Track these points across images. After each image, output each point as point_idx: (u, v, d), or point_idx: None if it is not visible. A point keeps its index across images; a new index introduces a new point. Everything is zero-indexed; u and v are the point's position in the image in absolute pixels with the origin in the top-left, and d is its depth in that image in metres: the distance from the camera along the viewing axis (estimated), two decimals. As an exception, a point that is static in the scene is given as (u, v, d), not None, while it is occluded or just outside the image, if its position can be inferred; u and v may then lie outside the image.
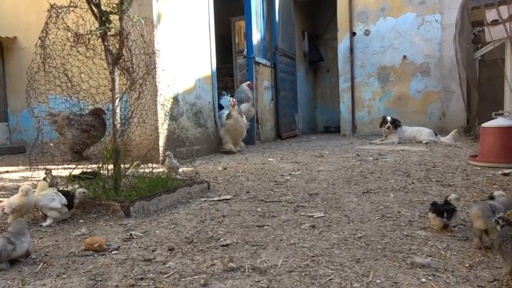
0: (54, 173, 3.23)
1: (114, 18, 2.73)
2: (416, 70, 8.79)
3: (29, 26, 6.37)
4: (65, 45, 2.83)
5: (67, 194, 2.52)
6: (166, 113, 4.74)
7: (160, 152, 4.78)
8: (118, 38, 2.73)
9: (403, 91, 8.91)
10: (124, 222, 2.43)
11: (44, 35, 2.76)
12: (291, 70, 9.42)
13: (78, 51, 2.87)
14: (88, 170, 3.31)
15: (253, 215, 2.54)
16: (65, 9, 2.78)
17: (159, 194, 2.83)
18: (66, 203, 2.43)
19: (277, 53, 8.33)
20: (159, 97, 4.01)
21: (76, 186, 2.89)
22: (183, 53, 5.43)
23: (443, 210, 2.10)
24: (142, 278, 1.63)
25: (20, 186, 2.46)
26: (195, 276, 1.63)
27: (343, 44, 9.36)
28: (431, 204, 2.20)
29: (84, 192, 2.56)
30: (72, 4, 2.79)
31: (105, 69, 2.89)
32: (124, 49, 2.78)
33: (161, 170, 3.77)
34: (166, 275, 1.65)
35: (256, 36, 7.63)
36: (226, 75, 9.75)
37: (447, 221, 2.09)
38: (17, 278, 1.67)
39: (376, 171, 4.05)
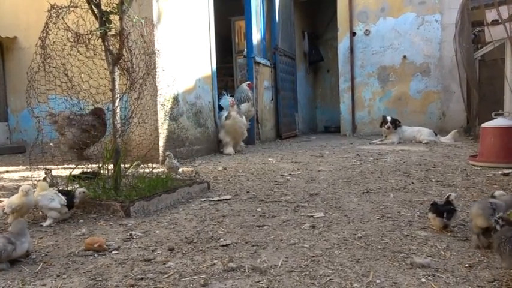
0: (54, 173, 3.23)
1: (114, 18, 2.73)
2: (416, 70, 8.79)
3: (29, 26, 6.37)
4: (65, 45, 2.83)
5: (67, 194, 2.53)
6: (167, 113, 4.74)
7: (160, 152, 4.78)
8: (118, 38, 2.73)
9: (403, 91, 8.92)
10: (124, 222, 2.43)
11: (44, 35, 2.76)
12: (291, 70, 9.42)
13: (78, 51, 2.87)
14: (88, 170, 3.31)
15: (253, 215, 2.54)
16: (65, 10, 2.78)
17: (159, 194, 2.83)
18: (65, 203, 2.44)
19: (277, 53, 8.33)
20: (159, 97, 4.01)
21: (76, 186, 2.89)
22: (183, 53, 5.43)
23: (443, 210, 2.10)
24: (142, 278, 1.63)
25: (20, 186, 2.47)
26: (195, 276, 1.63)
27: (343, 44, 9.37)
28: (431, 205, 2.20)
29: (84, 192, 2.56)
30: (72, 4, 2.79)
31: (105, 69, 2.89)
32: (124, 49, 2.78)
33: (161, 170, 3.77)
34: (166, 275, 1.65)
35: (256, 36, 7.63)
36: (226, 75, 9.75)
37: (447, 221, 2.09)
38: (17, 278, 1.67)
39: (376, 171, 4.05)
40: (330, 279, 1.58)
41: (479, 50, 7.11)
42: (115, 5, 2.72)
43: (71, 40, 2.79)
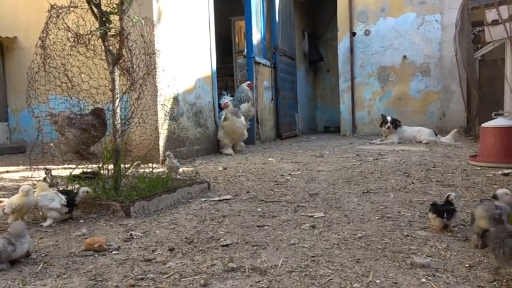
0: (54, 173, 3.24)
1: (114, 18, 2.73)
2: (416, 70, 8.79)
3: (29, 26, 6.37)
4: (65, 45, 2.83)
5: (69, 194, 2.53)
6: (167, 113, 4.74)
7: (161, 152, 4.78)
8: (118, 38, 2.73)
9: (403, 91, 8.92)
10: (124, 223, 2.43)
11: (44, 35, 2.76)
12: (291, 70, 9.42)
13: (78, 52, 2.87)
14: (88, 170, 3.31)
15: (254, 215, 2.54)
16: (65, 10, 2.78)
17: (159, 194, 2.83)
18: (66, 203, 2.43)
19: (277, 53, 8.33)
20: (159, 97, 4.01)
21: (76, 186, 2.89)
22: (183, 53, 5.44)
23: (444, 210, 2.10)
24: (142, 278, 1.63)
25: (20, 186, 2.47)
26: (195, 277, 1.63)
27: (343, 44, 9.37)
28: (431, 205, 2.20)
29: (87, 192, 2.55)
30: (72, 4, 2.79)
31: (105, 69, 2.89)
32: (124, 49, 2.79)
33: (161, 170, 3.77)
34: (166, 275, 1.65)
35: (256, 36, 7.63)
36: (226, 75, 9.75)
37: (447, 221, 2.09)
38: (18, 278, 1.67)
39: (376, 171, 4.05)
40: (330, 279, 1.58)
41: (479, 50, 7.11)
42: (115, 5, 2.72)
43: (71, 40, 2.79)
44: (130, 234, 2.19)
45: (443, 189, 3.13)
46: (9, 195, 2.87)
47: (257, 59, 7.48)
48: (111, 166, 2.93)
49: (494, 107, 5.18)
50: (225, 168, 4.52)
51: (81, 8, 2.80)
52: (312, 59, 11.23)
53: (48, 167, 3.18)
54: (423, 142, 6.72)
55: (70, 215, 2.52)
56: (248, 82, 6.88)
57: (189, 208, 2.79)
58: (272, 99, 8.34)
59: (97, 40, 2.81)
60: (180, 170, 3.89)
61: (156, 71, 3.37)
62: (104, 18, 2.69)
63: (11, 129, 7.08)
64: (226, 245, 1.98)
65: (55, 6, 2.78)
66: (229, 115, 5.78)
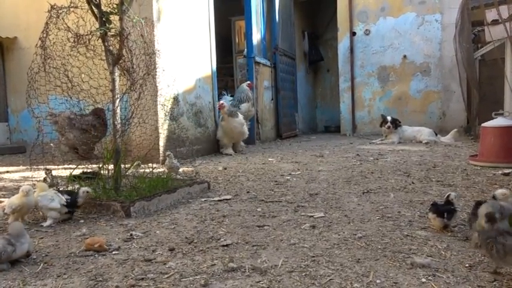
0: (54, 173, 3.24)
1: (115, 18, 2.73)
2: (416, 70, 8.79)
3: (29, 26, 6.37)
4: (65, 45, 2.83)
5: (71, 194, 2.53)
6: (167, 113, 4.74)
7: (161, 152, 4.78)
8: (118, 38, 2.73)
9: (403, 91, 8.92)
10: (124, 223, 2.43)
11: (45, 35, 2.76)
12: (291, 70, 9.42)
13: (78, 52, 2.87)
14: (88, 170, 3.31)
15: (254, 215, 2.54)
16: (65, 10, 2.78)
17: (160, 194, 2.83)
18: (66, 203, 2.43)
19: (277, 52, 8.33)
20: (159, 97, 4.01)
21: (76, 186, 2.89)
22: (183, 53, 5.44)
23: (444, 210, 2.10)
24: (142, 278, 1.63)
25: (20, 186, 2.47)
26: (196, 277, 1.63)
27: (343, 44, 9.37)
28: (432, 205, 2.20)
29: (88, 192, 2.56)
30: (72, 5, 2.79)
31: (105, 69, 2.89)
32: (124, 49, 2.79)
33: (161, 170, 3.77)
34: (166, 275, 1.65)
35: (256, 36, 7.63)
36: (226, 75, 9.75)
37: (447, 221, 2.09)
38: (18, 278, 1.67)
39: (376, 171, 4.05)
40: (330, 279, 1.58)
41: (479, 49, 7.10)
42: (115, 6, 2.72)
43: (71, 40, 2.79)
44: (131, 234, 2.19)
45: (443, 189, 3.13)
46: (9, 196, 2.87)
47: (257, 59, 7.48)
48: (111, 166, 2.93)
49: (494, 107, 5.18)
50: (225, 168, 4.52)
51: (81, 8, 2.80)
52: (312, 59, 11.23)
53: (48, 167, 3.18)
54: (423, 142, 6.72)
55: (70, 215, 2.52)
56: (248, 82, 6.88)
57: (189, 208, 2.79)
58: (272, 99, 8.34)
59: (97, 40, 2.81)
60: (180, 170, 3.89)
61: (156, 71, 3.37)
62: (104, 19, 2.69)
63: (11, 129, 7.08)
64: (227, 245, 1.98)
65: (55, 7, 2.78)
66: (225, 115, 5.76)
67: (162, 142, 4.87)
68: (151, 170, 3.32)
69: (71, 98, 2.99)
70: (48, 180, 3.09)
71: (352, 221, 2.35)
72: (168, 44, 4.96)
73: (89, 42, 2.81)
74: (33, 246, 1.98)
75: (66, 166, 3.93)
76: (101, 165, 3.01)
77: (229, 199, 3.01)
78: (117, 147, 2.85)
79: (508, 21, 5.52)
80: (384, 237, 2.06)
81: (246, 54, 7.76)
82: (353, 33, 9.24)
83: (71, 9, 2.79)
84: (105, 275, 1.68)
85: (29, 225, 2.42)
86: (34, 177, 3.08)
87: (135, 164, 3.31)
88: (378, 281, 1.54)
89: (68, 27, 2.79)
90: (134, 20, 2.79)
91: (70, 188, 2.89)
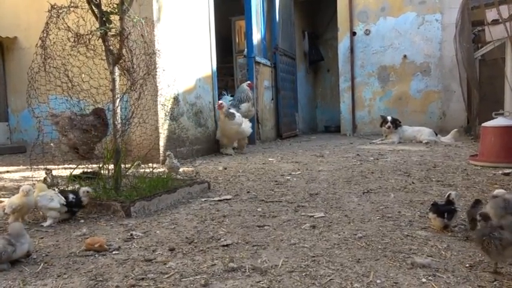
0: (54, 173, 3.24)
1: (115, 18, 2.73)
2: (416, 70, 8.79)
3: (29, 26, 6.38)
4: (65, 45, 2.83)
5: (76, 194, 2.53)
6: (167, 113, 4.74)
7: (161, 152, 4.78)
8: (118, 38, 2.73)
9: (404, 91, 8.92)
10: (125, 222, 2.43)
11: (45, 35, 2.76)
12: (291, 70, 9.42)
13: (78, 52, 2.87)
14: (89, 170, 3.31)
15: (254, 215, 2.54)
16: (65, 10, 2.78)
17: (160, 194, 2.83)
18: (65, 203, 2.43)
19: (278, 52, 8.33)
20: (160, 97, 4.01)
21: (77, 186, 2.90)
22: (183, 53, 5.44)
23: (444, 210, 2.10)
24: (143, 278, 1.63)
25: (20, 186, 2.47)
26: (196, 277, 1.63)
27: (343, 44, 9.37)
28: (432, 205, 2.20)
29: (88, 192, 2.55)
30: (72, 4, 2.79)
31: (105, 69, 2.89)
32: (124, 49, 2.79)
33: (162, 170, 3.77)
34: (167, 275, 1.65)
35: (257, 35, 7.63)
36: (226, 75, 9.75)
37: (448, 221, 2.09)
38: (18, 278, 1.67)
39: (376, 171, 4.05)
40: (331, 279, 1.58)
41: (480, 49, 7.10)
42: (115, 5, 2.72)
43: (72, 40, 2.79)
44: (131, 234, 2.19)
45: (443, 189, 3.12)
46: (9, 195, 2.87)
47: (257, 58, 7.48)
48: (111, 166, 2.93)
49: (494, 107, 5.18)
50: (225, 168, 4.52)
51: (82, 8, 2.80)
52: (312, 59, 11.23)
53: (48, 167, 3.18)
54: (423, 142, 6.72)
55: (73, 215, 2.52)
56: (248, 82, 6.88)
57: (190, 208, 2.79)
58: (272, 99, 8.34)
59: (97, 40, 2.81)
60: (181, 170, 3.89)
61: (156, 71, 3.37)
62: (104, 18, 2.69)
63: (11, 129, 7.08)
64: (227, 245, 1.98)
65: (55, 6, 2.78)
66: (221, 116, 5.74)
67: (162, 142, 4.87)
68: (151, 170, 3.32)
69: (71, 97, 3.00)
70: (49, 180, 3.10)
71: (353, 221, 2.35)
72: (168, 43, 4.96)
73: (89, 42, 2.81)
74: (34, 246, 1.98)
75: (66, 166, 3.93)
76: (101, 165, 3.01)
77: (230, 199, 3.01)
78: (117, 147, 2.85)
79: (508, 21, 5.52)
80: (384, 237, 2.06)
81: (246, 54, 7.76)
82: (353, 33, 9.24)
83: (71, 9, 2.79)
84: (105, 275, 1.68)
85: (29, 225, 2.42)
86: (34, 177, 3.08)
87: (135, 164, 3.31)
88: (378, 281, 1.54)
89: (68, 27, 2.79)
90: (134, 20, 2.79)
91: (70, 188, 2.89)
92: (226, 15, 9.55)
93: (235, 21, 10.13)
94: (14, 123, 7.03)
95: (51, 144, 3.46)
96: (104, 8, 2.71)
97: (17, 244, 1.77)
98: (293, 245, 1.98)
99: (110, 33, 2.73)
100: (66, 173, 3.42)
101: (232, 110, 5.88)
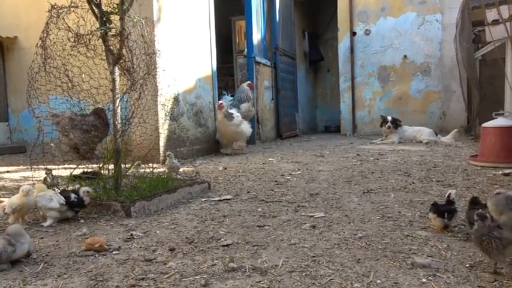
0: (54, 173, 3.24)
1: (115, 18, 2.73)
2: (416, 70, 8.78)
3: (29, 26, 6.38)
4: (65, 45, 2.83)
5: (78, 194, 2.53)
6: (167, 113, 4.74)
7: (161, 152, 4.78)
8: (118, 38, 2.73)
9: (404, 91, 8.91)
10: (125, 222, 2.43)
11: (45, 35, 2.76)
12: (291, 70, 9.42)
13: (78, 52, 2.87)
14: (89, 170, 3.31)
15: (254, 215, 2.54)
16: (65, 10, 2.78)
17: (160, 194, 2.83)
18: (64, 203, 2.43)
19: (278, 52, 8.33)
20: (160, 97, 4.01)
21: (77, 186, 2.90)
22: (183, 53, 5.44)
23: (444, 210, 2.10)
24: (143, 278, 1.63)
25: (20, 186, 2.47)
26: (196, 277, 1.63)
27: (343, 44, 9.36)
28: (432, 205, 2.19)
29: (88, 192, 2.55)
30: (72, 4, 2.79)
31: (105, 69, 2.89)
32: (124, 49, 2.79)
33: (162, 170, 3.77)
34: (167, 275, 1.65)
35: (257, 35, 7.63)
36: (226, 75, 9.75)
37: (448, 221, 2.09)
38: (18, 278, 1.67)
39: (376, 171, 4.05)
40: (331, 279, 1.58)
41: (480, 49, 7.10)
42: (115, 5, 2.72)
43: (72, 40, 2.79)
44: (131, 234, 2.19)
45: (443, 189, 3.12)
46: (9, 195, 2.88)
47: (257, 58, 7.48)
48: (111, 166, 2.93)
49: (494, 107, 5.18)
50: (226, 168, 4.52)
51: (82, 8, 2.80)
52: (312, 59, 11.23)
53: (48, 167, 3.18)
54: (423, 142, 6.72)
55: (74, 214, 2.52)
56: (248, 82, 6.88)
57: (190, 208, 2.79)
58: (272, 99, 8.34)
59: (97, 40, 2.81)
60: (181, 170, 3.89)
61: (156, 71, 3.37)
62: (104, 18, 2.69)
63: (11, 129, 7.09)
64: (227, 245, 1.98)
65: (55, 6, 2.78)
66: (220, 116, 5.73)
67: (162, 142, 4.87)
68: (151, 169, 3.32)
69: (71, 97, 3.00)
70: (49, 180, 3.10)
71: (353, 221, 2.35)
72: (168, 43, 4.96)
73: (89, 42, 2.81)
74: (34, 246, 1.98)
75: (66, 166, 3.93)
76: (101, 165, 3.01)
77: (230, 199, 3.01)
78: (117, 147, 2.85)
79: (509, 21, 5.52)
80: (384, 237, 2.06)
81: (246, 54, 7.76)
82: (353, 33, 9.24)
83: (72, 9, 2.79)
84: (105, 275, 1.68)
85: (30, 225, 2.42)
86: (34, 177, 3.08)
87: (135, 163, 3.31)
88: (378, 281, 1.54)
89: (69, 27, 2.79)
90: (135, 20, 2.79)
91: (71, 188, 2.89)
92: (227, 15, 9.55)
93: (236, 21, 10.13)
94: (14, 123, 7.03)
95: (52, 144, 3.46)
96: (104, 8, 2.71)
97: (17, 244, 1.77)
98: (293, 245, 1.98)
99: (110, 33, 2.73)
100: (66, 173, 3.42)
101: (231, 111, 5.88)
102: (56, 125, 4.69)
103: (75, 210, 2.51)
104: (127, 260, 1.84)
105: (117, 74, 2.83)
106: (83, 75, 2.96)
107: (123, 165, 3.00)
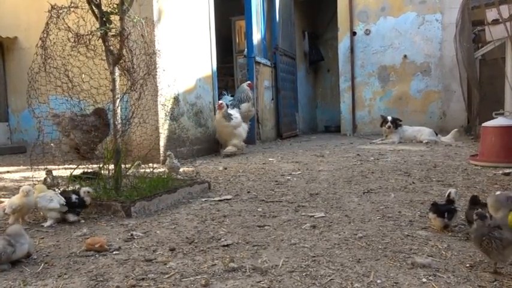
0: (55, 173, 3.24)
1: (115, 18, 2.73)
2: (416, 70, 8.78)
3: (29, 26, 6.38)
4: (65, 45, 2.83)
5: (79, 194, 2.53)
6: (167, 113, 4.75)
7: (161, 152, 4.78)
8: (118, 38, 2.73)
9: (404, 91, 8.91)
10: (125, 223, 2.44)
11: (45, 35, 2.76)
12: (292, 70, 9.42)
13: (79, 52, 2.87)
14: (89, 170, 3.31)
15: (254, 215, 2.54)
16: (65, 10, 2.78)
17: (160, 194, 2.83)
18: (64, 203, 2.43)
19: (278, 52, 8.33)
20: (160, 97, 4.01)
21: (77, 186, 2.90)
22: (183, 53, 5.44)
23: (444, 210, 2.10)
24: (143, 279, 1.63)
25: (21, 186, 2.47)
26: (196, 277, 1.63)
27: (343, 44, 9.36)
28: (432, 205, 2.19)
29: (88, 192, 2.55)
30: (72, 5, 2.79)
31: (105, 69, 2.89)
32: (124, 49, 2.79)
33: (162, 170, 3.77)
34: (167, 275, 1.65)
35: (257, 35, 7.63)
36: (226, 75, 9.75)
37: (448, 221, 2.09)
38: (19, 278, 1.67)
39: (376, 171, 4.05)
40: (331, 279, 1.58)
41: (480, 49, 7.10)
42: (115, 6, 2.72)
43: (72, 40, 2.79)
44: (131, 234, 2.19)
45: (443, 188, 3.12)
46: (9, 196, 2.87)
47: (257, 58, 7.48)
48: (111, 166, 2.93)
49: (494, 107, 5.18)
50: (226, 168, 4.52)
51: (82, 8, 2.80)
52: (313, 59, 11.23)
53: (48, 167, 3.18)
54: (424, 142, 6.72)
55: (74, 219, 2.52)
56: (248, 82, 6.87)
57: (190, 208, 2.79)
58: (272, 99, 8.34)
59: (97, 40, 2.81)
60: (181, 170, 3.89)
61: (156, 71, 3.37)
62: (104, 19, 2.70)
63: (11, 129, 7.09)
64: (227, 245, 1.98)
65: (55, 7, 2.78)
66: (218, 116, 5.70)
67: (162, 142, 4.87)
68: (151, 170, 3.32)
69: (71, 98, 2.99)
70: (49, 180, 3.10)
71: (353, 221, 2.35)
72: (168, 44, 4.96)
73: (90, 42, 2.81)
74: (34, 246, 1.98)
75: (66, 166, 3.93)
76: (101, 165, 3.01)
77: (230, 199, 3.01)
78: (117, 147, 2.85)
79: (509, 20, 5.52)
80: (384, 237, 2.06)
81: (246, 54, 7.75)
82: (353, 33, 9.24)
83: (72, 9, 2.79)
84: (105, 275, 1.68)
85: (30, 226, 2.42)
86: (35, 177, 3.08)
87: (135, 164, 3.31)
88: (378, 281, 1.54)
89: (69, 27, 2.79)
90: (135, 20, 2.79)
91: (71, 188, 2.89)
92: (226, 15, 9.55)
93: (235, 21, 10.12)
94: (14, 123, 7.04)
95: (52, 144, 3.46)
96: (104, 8, 2.71)
97: (17, 245, 1.77)
98: (293, 245, 1.98)
99: (110, 34, 2.73)
100: (66, 173, 3.42)
101: (232, 112, 5.87)
102: (57, 125, 4.70)
103: (77, 211, 2.50)
104: (127, 260, 1.84)
105: (117, 74, 2.83)
106: (83, 75, 2.96)
107: (123, 166, 3.00)
